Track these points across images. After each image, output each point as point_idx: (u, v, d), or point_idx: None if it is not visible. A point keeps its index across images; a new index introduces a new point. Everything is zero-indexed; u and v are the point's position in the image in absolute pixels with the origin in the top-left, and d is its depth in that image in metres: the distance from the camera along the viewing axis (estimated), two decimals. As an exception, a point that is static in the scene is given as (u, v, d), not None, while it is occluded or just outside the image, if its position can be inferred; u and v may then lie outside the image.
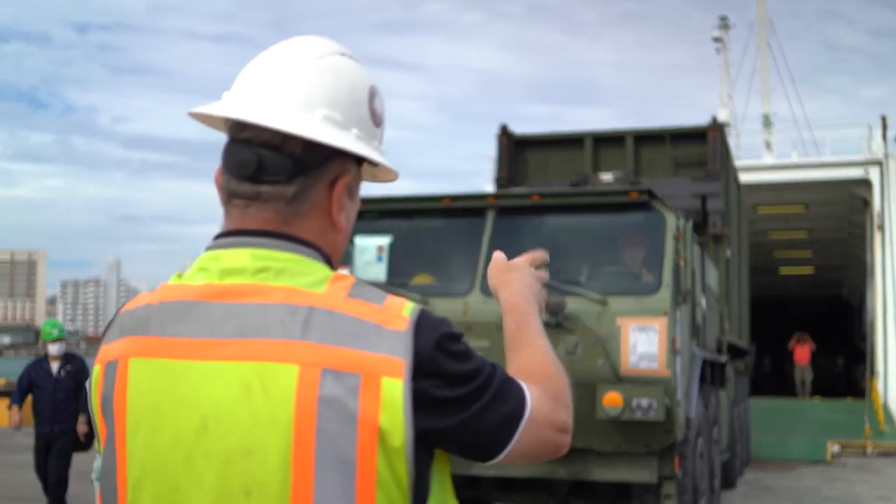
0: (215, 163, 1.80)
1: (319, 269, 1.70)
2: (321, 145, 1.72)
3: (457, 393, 1.62)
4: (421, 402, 1.59)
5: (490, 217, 9.01)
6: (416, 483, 1.63)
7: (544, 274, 2.13)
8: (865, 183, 25.14)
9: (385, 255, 9.15)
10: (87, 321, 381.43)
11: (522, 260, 2.11)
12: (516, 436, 1.68)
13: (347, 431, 1.56)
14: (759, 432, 20.13)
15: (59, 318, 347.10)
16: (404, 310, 1.65)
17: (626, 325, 8.24)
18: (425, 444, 1.63)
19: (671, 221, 8.63)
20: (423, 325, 1.63)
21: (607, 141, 13.94)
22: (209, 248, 1.76)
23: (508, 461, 1.72)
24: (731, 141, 28.44)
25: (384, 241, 9.18)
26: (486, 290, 8.74)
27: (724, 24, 30.88)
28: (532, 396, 1.72)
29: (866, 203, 25.70)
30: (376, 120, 1.85)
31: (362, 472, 1.57)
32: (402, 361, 1.58)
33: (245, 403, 1.59)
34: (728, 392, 13.62)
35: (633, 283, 8.66)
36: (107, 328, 1.81)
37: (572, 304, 8.34)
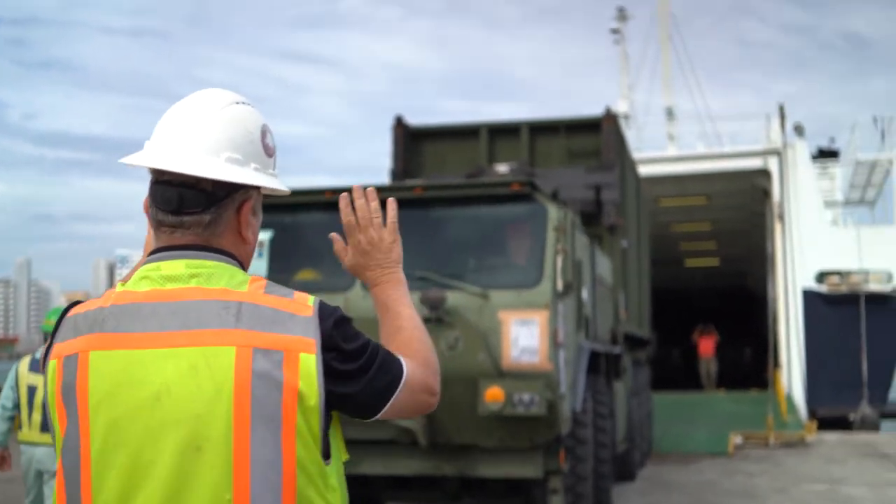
0: (131, 160, 2.24)
1: (239, 273, 2.18)
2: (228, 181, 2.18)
3: (353, 366, 2.11)
4: (327, 371, 2.07)
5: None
6: (324, 437, 2.09)
7: (392, 229, 2.43)
8: (765, 173, 25.33)
9: (265, 251, 8.87)
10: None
11: (368, 238, 2.43)
12: (394, 397, 2.17)
13: (275, 396, 2.02)
14: (663, 425, 20.17)
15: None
16: (309, 301, 2.13)
17: (508, 319, 8.08)
18: (329, 405, 2.09)
19: (553, 213, 8.47)
20: (324, 311, 2.12)
21: (503, 132, 13.83)
22: (149, 260, 2.20)
23: (387, 417, 2.20)
24: (633, 133, 28.59)
25: (264, 236, 8.89)
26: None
27: (622, 15, 30.98)
28: (407, 366, 2.21)
29: (766, 193, 25.94)
30: (268, 153, 2.31)
31: (286, 426, 2.03)
32: (313, 341, 2.06)
33: (193, 379, 2.04)
34: (625, 383, 13.55)
35: (515, 275, 8.49)
36: (56, 331, 2.22)
37: (453, 299, 8.14)
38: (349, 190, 7.97)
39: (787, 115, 25.49)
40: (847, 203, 30.09)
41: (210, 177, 2.15)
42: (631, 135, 28.05)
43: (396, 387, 2.18)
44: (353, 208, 2.43)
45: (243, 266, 2.24)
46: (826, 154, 30.45)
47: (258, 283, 2.15)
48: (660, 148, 28.17)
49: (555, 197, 11.90)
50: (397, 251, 2.44)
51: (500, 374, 8.06)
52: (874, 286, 24.74)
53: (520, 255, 8.71)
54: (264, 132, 2.30)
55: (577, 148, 13.50)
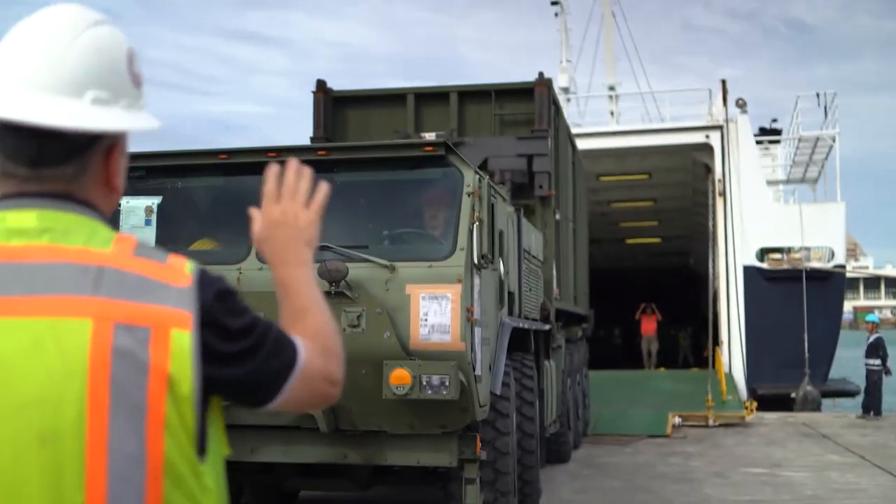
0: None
1: (103, 230, 1.83)
2: None
3: (237, 346, 1.81)
4: (205, 352, 1.77)
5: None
6: (201, 429, 1.78)
7: (314, 210, 2.13)
8: (707, 148, 24.81)
9: (154, 218, 8.07)
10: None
11: (284, 210, 2.11)
12: (287, 386, 1.87)
13: (139, 380, 1.71)
14: (601, 404, 19.65)
15: None
16: (186, 267, 1.81)
17: (416, 294, 7.34)
18: (206, 391, 1.79)
19: (468, 177, 7.74)
20: (204, 281, 1.81)
21: (431, 98, 13.20)
22: None
23: (281, 408, 1.92)
24: (573, 108, 27.96)
25: (153, 201, 8.10)
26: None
27: (563, -15, 30.35)
28: (304, 350, 1.91)
29: (708, 169, 25.44)
30: (136, 82, 1.94)
31: (152, 418, 1.71)
32: (188, 314, 1.76)
33: (37, 356, 1.70)
34: (557, 361, 12.92)
35: (426, 246, 7.77)
36: None
37: (356, 271, 7.39)
38: (259, 150, 7.00)
39: (730, 92, 24.99)
40: (788, 181, 29.77)
41: (75, 127, 1.79)
42: (572, 110, 27.45)
43: (289, 373, 1.89)
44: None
45: (108, 221, 1.92)
46: (768, 133, 30.07)
47: (126, 244, 1.82)
48: (602, 125, 27.56)
49: (483, 166, 11.20)
50: (311, 233, 2.11)
51: (408, 354, 7.34)
52: (815, 263, 24.42)
53: (432, 224, 7.98)
54: (130, 57, 1.93)
55: (508, 115, 12.91)
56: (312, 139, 12.96)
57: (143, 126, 1.92)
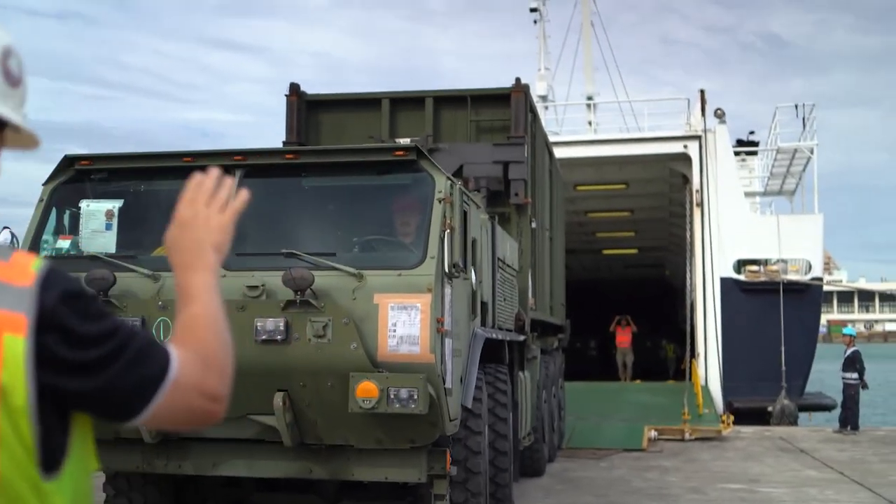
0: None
1: None
2: None
3: (88, 354, 1.65)
4: (45, 359, 1.61)
5: (237, 178, 7.69)
6: (47, 444, 1.63)
7: (229, 214, 2.00)
8: (685, 158, 24.61)
9: (115, 222, 7.78)
10: None
11: (196, 213, 1.98)
12: (154, 400, 1.72)
13: None
14: (576, 417, 19.40)
15: None
16: (32, 265, 1.67)
17: (385, 303, 7.08)
18: (53, 403, 1.64)
19: (440, 183, 7.48)
20: (51, 280, 1.65)
21: (406, 102, 12.94)
22: None
23: (150, 424, 1.76)
24: (551, 116, 27.74)
25: (115, 205, 7.81)
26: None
27: (542, -6, 30.17)
28: (179, 361, 1.76)
29: (686, 180, 25.26)
30: (12, 80, 1.81)
31: None
32: (23, 317, 1.61)
33: None
34: (532, 372, 12.67)
35: (395, 254, 7.51)
36: None
37: (322, 279, 7.11)
38: (224, 153, 6.71)
39: (708, 102, 24.83)
40: (766, 194, 29.65)
41: None
42: (549, 119, 27.25)
43: (157, 386, 1.72)
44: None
45: None
46: (745, 145, 29.96)
47: None
48: (579, 134, 27.39)
49: (459, 173, 10.95)
50: (222, 238, 1.97)
51: (376, 365, 7.07)
52: (793, 276, 24.25)
53: (403, 231, 7.72)
54: (7, 53, 1.79)
55: (484, 122, 12.68)
56: (285, 143, 12.68)
57: (5, 115, 1.78)
